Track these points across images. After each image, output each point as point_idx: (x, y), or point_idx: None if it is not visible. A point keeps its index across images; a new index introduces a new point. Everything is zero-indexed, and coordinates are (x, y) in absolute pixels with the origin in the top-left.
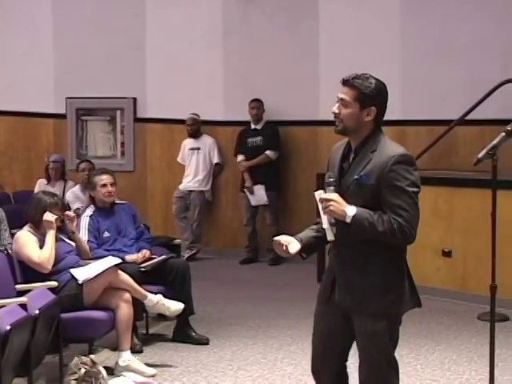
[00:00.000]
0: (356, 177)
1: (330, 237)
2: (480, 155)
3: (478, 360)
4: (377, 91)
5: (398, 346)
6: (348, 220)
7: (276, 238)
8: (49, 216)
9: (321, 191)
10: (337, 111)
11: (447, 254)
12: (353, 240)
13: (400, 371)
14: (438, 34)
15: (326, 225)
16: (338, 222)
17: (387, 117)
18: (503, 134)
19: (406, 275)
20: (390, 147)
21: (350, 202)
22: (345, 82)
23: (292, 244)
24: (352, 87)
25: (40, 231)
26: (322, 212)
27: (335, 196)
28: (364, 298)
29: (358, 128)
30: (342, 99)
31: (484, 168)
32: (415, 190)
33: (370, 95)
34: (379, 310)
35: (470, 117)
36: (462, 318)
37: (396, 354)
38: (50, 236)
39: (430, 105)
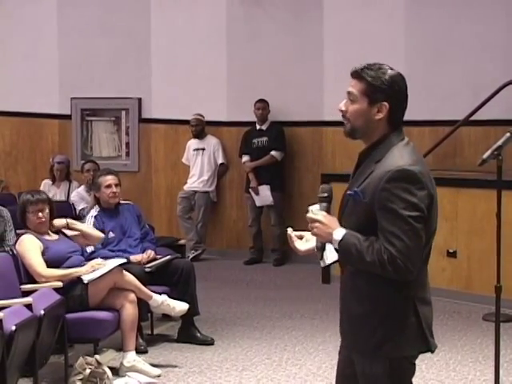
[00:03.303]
0: (349, 192)
1: (322, 263)
2: (485, 156)
3: (482, 361)
4: (390, 83)
5: None
6: (335, 245)
7: (289, 232)
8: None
9: (315, 206)
10: (343, 108)
11: (452, 254)
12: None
13: None
14: (443, 33)
15: (315, 248)
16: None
17: None
18: (508, 134)
19: (414, 313)
20: (394, 158)
21: (345, 221)
22: (353, 74)
23: (306, 241)
24: (360, 79)
25: (41, 232)
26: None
27: (321, 216)
28: (354, 331)
29: (367, 129)
30: (349, 93)
31: (489, 168)
32: (414, 214)
33: (380, 88)
34: (368, 349)
35: (474, 117)
36: (467, 319)
37: None
38: (72, 270)
39: (434, 105)
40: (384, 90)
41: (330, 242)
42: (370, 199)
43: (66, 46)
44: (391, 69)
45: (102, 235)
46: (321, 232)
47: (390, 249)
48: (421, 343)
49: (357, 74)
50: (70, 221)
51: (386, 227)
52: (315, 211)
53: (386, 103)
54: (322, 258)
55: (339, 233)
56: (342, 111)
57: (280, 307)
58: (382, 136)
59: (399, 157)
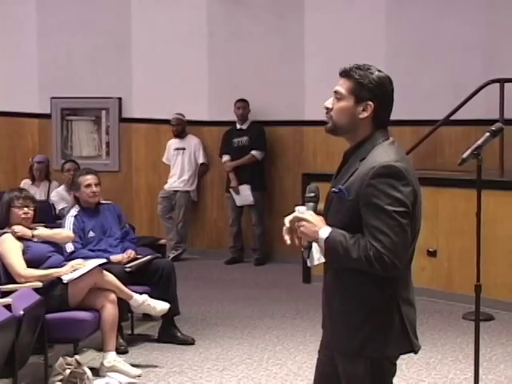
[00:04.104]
0: (334, 189)
1: (309, 262)
2: (465, 155)
3: (463, 360)
4: (377, 83)
5: None
6: (321, 243)
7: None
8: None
9: (302, 207)
10: (329, 106)
11: (432, 253)
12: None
13: None
14: (424, 33)
15: (302, 248)
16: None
17: None
18: (488, 134)
19: (397, 313)
20: (378, 155)
21: (331, 219)
22: (342, 73)
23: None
24: (348, 77)
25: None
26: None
27: (308, 215)
28: (336, 331)
29: (351, 127)
30: (335, 92)
31: (469, 168)
32: (400, 209)
33: (367, 87)
34: (351, 349)
35: (454, 117)
36: (447, 318)
37: None
38: (52, 271)
39: (414, 105)
40: (371, 89)
41: (317, 240)
42: (355, 196)
43: (46, 46)
44: (379, 71)
45: (70, 234)
46: (307, 231)
47: (376, 245)
48: (404, 344)
49: (346, 73)
50: (35, 233)
51: (371, 223)
52: (302, 210)
53: (371, 102)
54: (308, 257)
55: (325, 231)
56: (326, 108)
57: (261, 307)
58: (366, 135)
59: (384, 154)
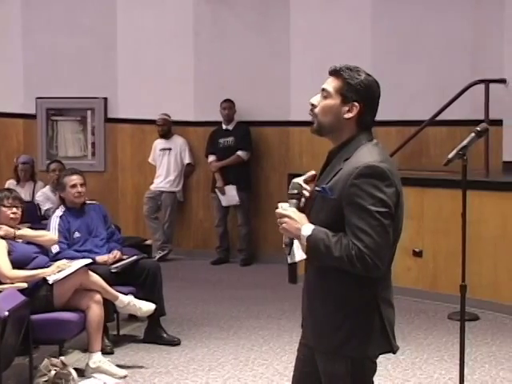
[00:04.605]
0: (317, 189)
1: (290, 259)
2: (450, 156)
3: (448, 359)
4: (364, 85)
5: None
6: (303, 241)
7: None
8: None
9: (285, 204)
10: (314, 102)
11: (418, 253)
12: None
13: None
14: (410, 33)
15: (283, 244)
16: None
17: None
18: (473, 134)
19: (377, 313)
20: (362, 156)
21: (314, 218)
22: (331, 71)
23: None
24: (337, 76)
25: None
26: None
27: (291, 212)
28: (317, 330)
29: (335, 127)
30: (323, 89)
31: (454, 168)
32: (382, 210)
33: (355, 87)
34: (331, 348)
35: (440, 117)
36: (433, 318)
37: None
38: (37, 272)
39: (400, 105)
40: (358, 91)
41: (299, 237)
42: (339, 196)
43: (31, 46)
44: (369, 75)
45: (54, 237)
46: (289, 227)
47: (358, 244)
48: (384, 344)
49: (335, 72)
50: (18, 233)
51: (353, 223)
52: (285, 207)
53: (357, 104)
54: (289, 254)
55: (307, 228)
56: (312, 105)
57: (247, 307)
58: (350, 136)
59: (368, 154)
